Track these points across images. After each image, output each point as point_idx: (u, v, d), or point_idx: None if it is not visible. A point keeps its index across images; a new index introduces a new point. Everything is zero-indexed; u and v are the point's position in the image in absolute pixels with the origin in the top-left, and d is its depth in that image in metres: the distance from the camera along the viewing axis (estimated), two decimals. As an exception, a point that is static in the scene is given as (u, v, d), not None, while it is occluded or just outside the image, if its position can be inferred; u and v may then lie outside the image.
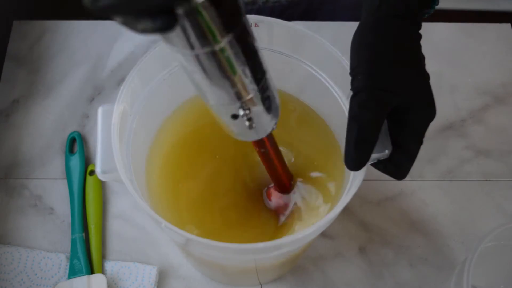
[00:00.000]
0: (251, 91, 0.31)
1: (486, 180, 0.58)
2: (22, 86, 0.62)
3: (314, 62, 0.45)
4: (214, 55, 0.27)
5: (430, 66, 0.68)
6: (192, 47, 0.26)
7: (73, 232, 0.53)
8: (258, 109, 0.32)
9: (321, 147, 0.48)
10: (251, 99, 0.31)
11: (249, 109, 0.31)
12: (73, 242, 0.52)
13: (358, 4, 0.41)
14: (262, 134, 0.35)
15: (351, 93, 0.39)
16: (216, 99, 0.31)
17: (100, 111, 0.40)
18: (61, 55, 0.64)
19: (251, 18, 0.43)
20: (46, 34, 0.66)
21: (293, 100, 0.50)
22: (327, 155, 0.47)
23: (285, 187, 0.44)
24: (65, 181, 0.56)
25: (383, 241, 0.54)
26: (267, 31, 0.44)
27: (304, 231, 0.34)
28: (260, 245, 0.34)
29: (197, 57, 0.27)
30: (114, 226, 0.54)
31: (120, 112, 0.39)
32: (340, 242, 0.54)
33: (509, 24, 0.69)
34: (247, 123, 0.32)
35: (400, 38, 0.37)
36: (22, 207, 0.55)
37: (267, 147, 0.39)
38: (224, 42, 0.27)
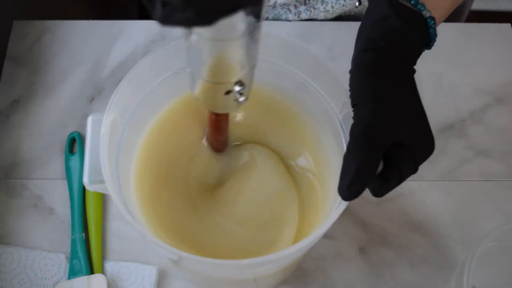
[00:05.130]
0: (249, 69, 0.34)
1: (486, 180, 0.58)
2: (22, 86, 0.62)
3: (306, 74, 0.44)
4: (249, 38, 0.30)
5: (430, 66, 0.68)
6: (243, 33, 0.30)
7: (73, 232, 0.53)
8: (249, 82, 0.35)
9: (312, 154, 0.48)
10: (247, 74, 0.34)
11: (243, 84, 0.35)
12: (73, 242, 0.52)
13: None
14: (238, 107, 0.38)
15: (345, 111, 0.39)
16: (219, 78, 0.34)
17: (89, 120, 0.39)
18: (61, 55, 0.64)
19: None
20: (46, 34, 0.66)
21: (284, 105, 0.49)
22: (316, 162, 0.47)
23: (220, 149, 0.47)
24: (65, 181, 0.56)
25: (383, 241, 0.54)
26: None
27: (294, 246, 0.35)
28: (258, 259, 0.34)
29: (236, 40, 0.30)
30: (114, 226, 0.54)
31: (110, 122, 0.39)
32: (340, 242, 0.54)
33: (509, 24, 0.69)
34: (238, 96, 0.35)
35: (401, 76, 0.38)
36: (22, 207, 0.55)
37: (225, 117, 0.42)
38: (259, 28, 0.31)
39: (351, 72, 0.38)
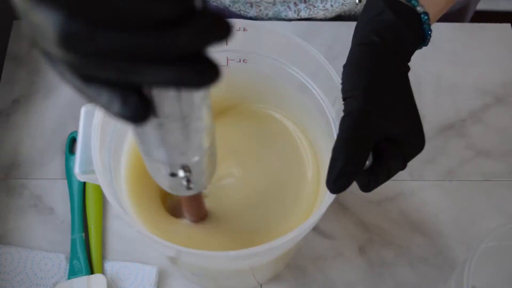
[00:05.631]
0: (197, 155, 0.30)
1: (486, 180, 0.58)
2: (22, 86, 0.62)
3: (303, 70, 0.44)
4: (181, 123, 0.26)
5: (430, 66, 0.68)
6: (167, 117, 0.25)
7: (73, 232, 0.53)
8: (199, 172, 0.31)
9: (305, 150, 0.48)
10: (195, 162, 0.30)
11: (190, 171, 0.30)
12: (73, 242, 0.52)
13: None
14: (193, 192, 0.34)
15: (337, 106, 0.39)
16: (162, 157, 0.29)
17: (83, 110, 0.40)
18: (61, 55, 0.64)
19: (240, 22, 0.42)
20: (46, 34, 0.66)
21: (280, 103, 0.49)
22: (309, 158, 0.47)
23: (196, 221, 0.44)
24: (65, 181, 0.56)
25: (383, 241, 0.54)
26: (255, 36, 0.44)
27: (284, 237, 0.35)
28: (252, 250, 0.34)
29: (163, 125, 0.26)
30: (114, 226, 0.54)
31: (103, 113, 0.39)
32: (340, 242, 0.54)
33: (509, 24, 0.69)
34: (184, 183, 0.31)
35: (394, 71, 0.38)
36: (22, 207, 0.55)
37: (193, 197, 0.38)
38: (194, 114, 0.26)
39: (344, 66, 0.38)
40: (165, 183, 0.32)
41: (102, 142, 0.38)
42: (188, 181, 0.31)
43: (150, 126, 0.26)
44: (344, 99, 0.37)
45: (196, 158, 0.30)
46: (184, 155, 0.29)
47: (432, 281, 0.52)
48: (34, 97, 0.62)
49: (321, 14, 0.65)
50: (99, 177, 0.36)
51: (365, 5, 0.40)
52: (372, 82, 0.36)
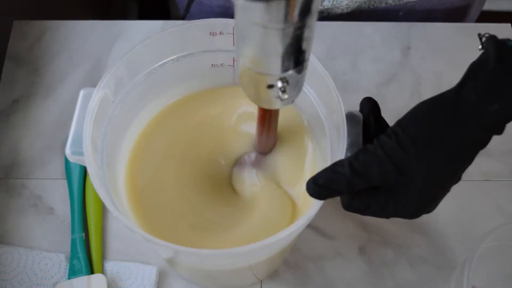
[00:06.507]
0: (296, 67, 0.33)
1: (486, 180, 0.58)
2: (22, 86, 0.62)
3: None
4: (296, 29, 0.29)
5: (430, 66, 0.68)
6: (286, 21, 0.28)
7: (73, 232, 0.53)
8: (294, 83, 0.34)
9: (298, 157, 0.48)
10: (292, 74, 0.33)
11: (287, 81, 0.33)
12: (73, 242, 0.52)
13: None
14: (284, 105, 0.36)
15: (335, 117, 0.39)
16: (265, 68, 0.33)
17: (81, 93, 0.40)
18: (61, 55, 0.64)
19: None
20: (46, 34, 0.66)
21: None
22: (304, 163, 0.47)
23: (267, 148, 0.45)
24: (65, 181, 0.56)
25: (383, 241, 0.54)
26: None
27: (280, 233, 0.35)
28: (246, 248, 0.34)
29: (282, 31, 0.29)
30: (114, 226, 0.54)
31: (100, 98, 0.39)
32: (340, 242, 0.54)
33: (509, 24, 0.69)
34: (280, 94, 0.34)
35: (459, 142, 0.33)
36: (22, 207, 0.55)
37: (271, 114, 0.40)
38: (307, 20, 0.29)
39: (422, 102, 0.34)
40: (260, 96, 0.35)
41: (96, 127, 0.39)
42: (284, 91, 0.33)
43: (274, 33, 0.29)
44: (390, 127, 0.34)
45: (295, 70, 0.33)
46: (287, 65, 0.32)
47: (432, 281, 0.52)
48: (34, 97, 0.62)
49: (344, 4, 0.64)
50: (86, 159, 0.37)
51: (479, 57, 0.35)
52: (421, 140, 0.33)
